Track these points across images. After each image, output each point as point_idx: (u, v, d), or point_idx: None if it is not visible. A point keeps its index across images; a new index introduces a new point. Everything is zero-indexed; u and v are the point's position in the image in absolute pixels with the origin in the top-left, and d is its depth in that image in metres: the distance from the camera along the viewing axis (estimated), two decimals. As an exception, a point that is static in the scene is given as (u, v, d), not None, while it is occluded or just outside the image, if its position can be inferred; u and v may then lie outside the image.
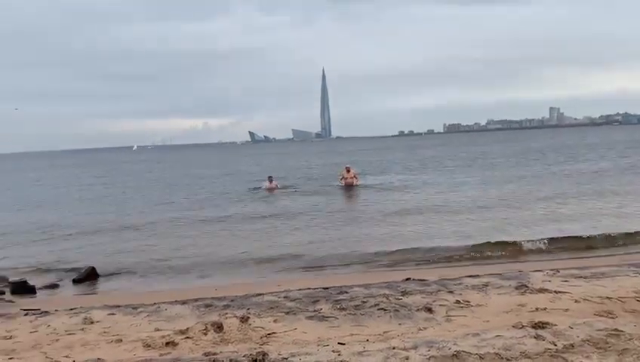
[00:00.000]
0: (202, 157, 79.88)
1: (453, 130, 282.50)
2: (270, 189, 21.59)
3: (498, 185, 20.09)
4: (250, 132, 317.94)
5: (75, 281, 8.93)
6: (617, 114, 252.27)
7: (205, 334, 4.92)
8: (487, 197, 17.04)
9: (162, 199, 20.73)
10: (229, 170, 37.92)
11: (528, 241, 10.26)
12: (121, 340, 4.86)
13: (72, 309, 5.99)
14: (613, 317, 4.94)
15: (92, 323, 5.42)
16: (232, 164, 51.24)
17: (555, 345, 4.21)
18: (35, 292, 8.30)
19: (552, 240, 10.28)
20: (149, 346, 4.66)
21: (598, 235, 10.56)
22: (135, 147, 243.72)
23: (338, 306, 5.68)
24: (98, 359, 4.38)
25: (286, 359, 4.14)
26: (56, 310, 6.03)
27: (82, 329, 5.23)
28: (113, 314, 5.76)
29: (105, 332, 5.11)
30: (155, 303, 6.11)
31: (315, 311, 5.58)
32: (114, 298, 7.27)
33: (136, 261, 10.24)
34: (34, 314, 5.85)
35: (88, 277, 9.09)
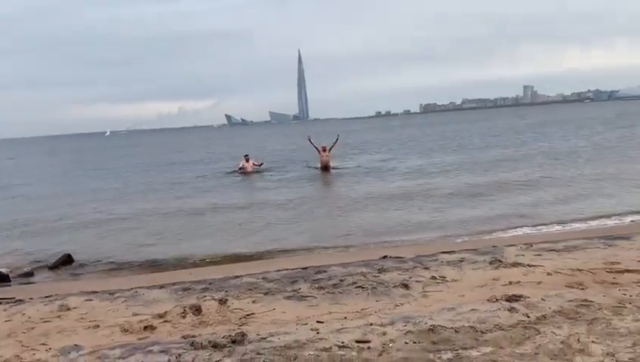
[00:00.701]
0: (176, 141, 78.66)
1: (429, 109, 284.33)
2: (246, 171, 21.08)
3: (474, 169, 19.94)
4: (226, 115, 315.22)
5: (51, 268, 8.81)
6: (589, 91, 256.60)
7: (184, 317, 4.91)
8: (470, 182, 16.46)
9: (134, 185, 20.37)
10: (201, 155, 37.25)
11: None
12: (99, 326, 4.82)
13: (47, 297, 5.92)
14: (583, 289, 5.08)
15: (68, 309, 5.37)
16: (205, 147, 50.55)
17: (528, 317, 4.32)
18: (10, 281, 8.16)
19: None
20: (127, 331, 4.64)
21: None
22: (108, 132, 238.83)
23: (316, 285, 5.73)
24: (75, 345, 4.35)
25: (265, 339, 4.17)
26: (31, 298, 5.95)
27: (58, 317, 5.17)
28: (90, 300, 5.71)
29: (82, 319, 5.07)
30: (132, 288, 6.08)
31: (293, 291, 5.61)
32: (90, 284, 7.20)
33: (113, 246, 10.14)
34: (8, 303, 5.76)
35: (64, 263, 8.97)
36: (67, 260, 9.05)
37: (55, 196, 18.56)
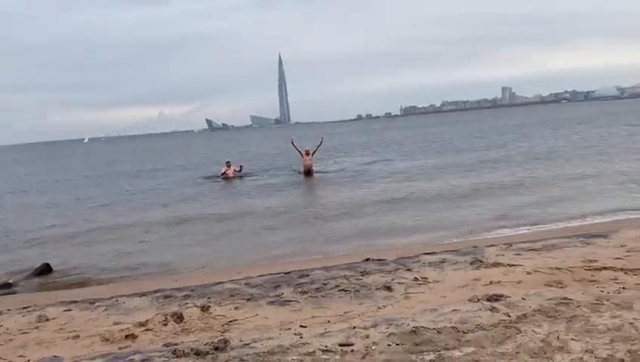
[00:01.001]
0: (156, 147, 77.88)
1: (409, 112, 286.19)
2: (228, 176, 21.01)
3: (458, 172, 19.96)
4: (207, 120, 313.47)
5: (29, 279, 8.65)
6: (565, 92, 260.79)
7: (165, 325, 4.87)
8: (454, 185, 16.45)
9: (114, 194, 20.02)
10: (182, 161, 36.78)
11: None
12: (79, 336, 4.76)
13: (25, 308, 5.82)
14: (562, 287, 5.16)
15: (47, 320, 5.28)
16: (186, 153, 50.07)
17: (509, 316, 4.36)
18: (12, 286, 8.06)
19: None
20: (108, 340, 4.58)
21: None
22: (86, 139, 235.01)
23: (299, 290, 5.72)
24: (54, 356, 4.28)
25: (248, 345, 4.15)
26: (8, 309, 5.83)
27: (37, 328, 5.09)
28: (69, 309, 5.62)
29: (61, 329, 4.99)
30: (112, 296, 6.01)
31: (276, 296, 5.60)
32: (70, 294, 7.09)
33: (93, 255, 10.00)
34: (-15, 315, 5.64)
35: (43, 273, 8.82)
36: (46, 269, 8.90)
37: (31, 205, 18.25)
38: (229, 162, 21.90)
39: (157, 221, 13.27)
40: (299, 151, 20.57)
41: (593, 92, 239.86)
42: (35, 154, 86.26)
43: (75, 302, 5.94)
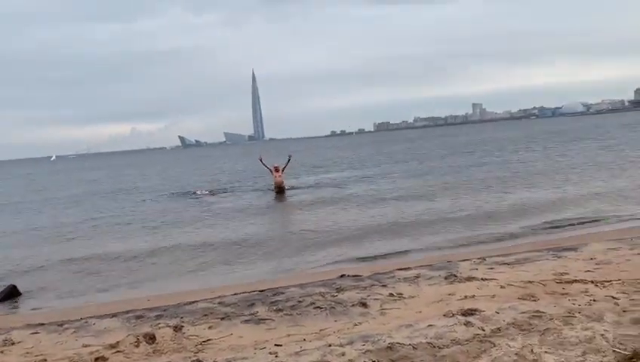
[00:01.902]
0: (127, 164, 76.63)
1: (382, 128, 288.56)
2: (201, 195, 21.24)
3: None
4: (180, 136, 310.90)
5: (-6, 302, 8.36)
6: (534, 108, 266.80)
7: (137, 346, 4.75)
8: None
9: (80, 214, 19.41)
10: (153, 180, 35.95)
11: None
12: (46, 360, 4.61)
13: (-11, 331, 5.61)
14: (535, 300, 5.22)
15: (13, 344, 5.11)
16: (161, 171, 49.39)
17: (484, 330, 4.39)
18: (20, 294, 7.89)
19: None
20: (77, 364, 4.45)
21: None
22: (54, 157, 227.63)
23: (274, 308, 5.67)
24: (20, 382, 4.13)
25: (222, 365, 4.08)
26: (-29, 333, 5.62)
27: (1, 352, 4.92)
28: (36, 332, 5.45)
29: (27, 353, 4.83)
30: (82, 318, 5.85)
31: (251, 314, 5.54)
32: (37, 316, 6.87)
33: (61, 276, 9.74)
34: (-54, 340, 5.42)
35: (9, 296, 8.52)
36: (13, 292, 8.62)
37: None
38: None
39: (129, 243, 12.97)
40: (268, 169, 20.37)
41: (560, 108, 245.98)
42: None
43: (43, 324, 5.77)
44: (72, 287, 8.92)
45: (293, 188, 21.27)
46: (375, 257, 9.51)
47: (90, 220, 17.26)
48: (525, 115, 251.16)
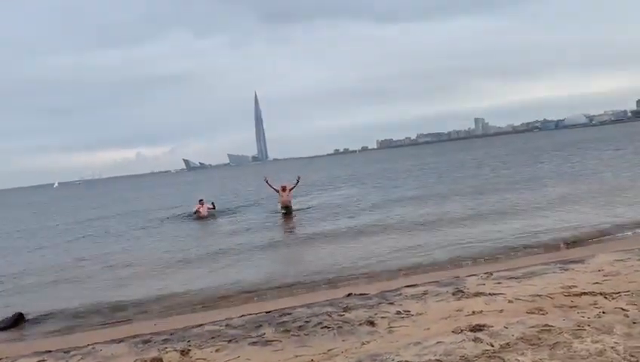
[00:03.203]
0: (133, 189, 76.83)
1: (385, 145, 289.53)
2: (201, 215, 20.79)
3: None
4: (184, 159, 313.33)
5: (1, 329, 8.35)
6: (537, 121, 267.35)
7: (144, 371, 4.72)
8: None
9: (86, 239, 19.47)
10: (158, 201, 35.87)
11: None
12: (53, 387, 4.58)
13: (-3, 360, 5.61)
14: (544, 314, 5.17)
15: (20, 372, 5.09)
16: (164, 195, 49.42)
17: (493, 346, 4.35)
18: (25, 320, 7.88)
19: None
20: (84, 390, 4.42)
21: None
22: (56, 184, 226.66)
23: (281, 329, 5.63)
24: (27, 410, 4.11)
25: (230, 388, 4.05)
26: (-21, 363, 5.62)
27: (9, 380, 4.89)
28: (44, 360, 5.45)
29: (34, 381, 4.81)
30: (89, 344, 5.83)
31: (258, 336, 5.50)
32: (44, 343, 6.84)
33: (67, 303, 9.68)
34: (-46, 370, 5.42)
35: (15, 323, 8.53)
36: (19, 319, 8.62)
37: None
38: (201, 200, 21.68)
39: (132, 264, 12.98)
40: (274, 189, 19.87)
41: (563, 120, 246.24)
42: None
43: (50, 351, 5.75)
44: (79, 313, 8.90)
45: (301, 209, 20.65)
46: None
47: (91, 243, 17.33)
48: (528, 128, 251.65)
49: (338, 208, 20.86)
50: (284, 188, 19.81)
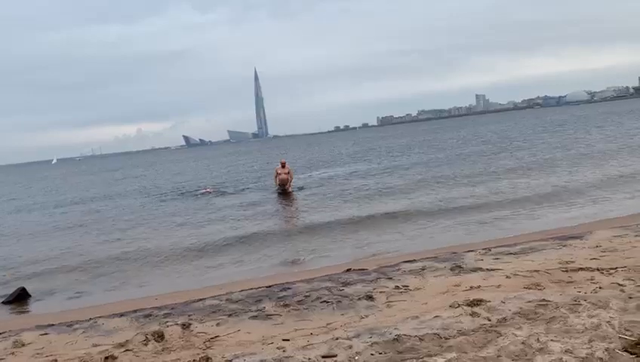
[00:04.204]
0: (133, 165, 76.70)
1: (386, 122, 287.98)
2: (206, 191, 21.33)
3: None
4: (184, 136, 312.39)
5: (4, 303, 8.44)
6: (538, 97, 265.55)
7: (146, 345, 4.79)
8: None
9: (83, 214, 19.56)
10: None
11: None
12: (56, 360, 4.65)
13: (0, 334, 5.68)
14: (541, 289, 5.23)
15: (23, 345, 5.17)
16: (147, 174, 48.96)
17: (490, 320, 4.40)
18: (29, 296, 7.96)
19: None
20: (87, 363, 4.50)
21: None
22: (54, 160, 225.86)
23: (281, 303, 5.70)
24: (32, 382, 4.18)
25: (230, 361, 4.11)
26: (-17, 336, 5.69)
27: (12, 353, 4.97)
28: (46, 334, 5.51)
29: (38, 354, 4.88)
30: (91, 318, 5.91)
31: (258, 310, 5.57)
32: (47, 317, 6.91)
33: (69, 277, 9.80)
34: (-42, 343, 5.49)
35: (18, 298, 8.60)
36: (22, 293, 8.70)
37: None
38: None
39: (135, 242, 13.01)
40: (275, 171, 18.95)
41: (564, 97, 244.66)
42: None
43: (52, 325, 5.83)
44: (81, 288, 8.99)
45: (299, 187, 19.97)
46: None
47: (99, 222, 17.35)
48: (529, 105, 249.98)
49: (339, 187, 20.22)
50: (283, 164, 18.85)
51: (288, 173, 18.94)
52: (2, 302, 8.46)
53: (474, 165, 23.06)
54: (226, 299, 6.10)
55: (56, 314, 7.41)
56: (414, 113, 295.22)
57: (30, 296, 8.71)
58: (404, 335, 4.22)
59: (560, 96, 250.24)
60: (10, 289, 8.89)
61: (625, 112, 61.57)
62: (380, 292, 5.69)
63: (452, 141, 45.80)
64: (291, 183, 19.16)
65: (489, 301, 4.88)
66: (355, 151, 46.91)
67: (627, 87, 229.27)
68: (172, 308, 5.97)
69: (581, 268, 5.78)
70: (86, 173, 67.10)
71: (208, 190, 21.77)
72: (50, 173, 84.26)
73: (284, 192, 18.60)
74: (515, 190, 14.83)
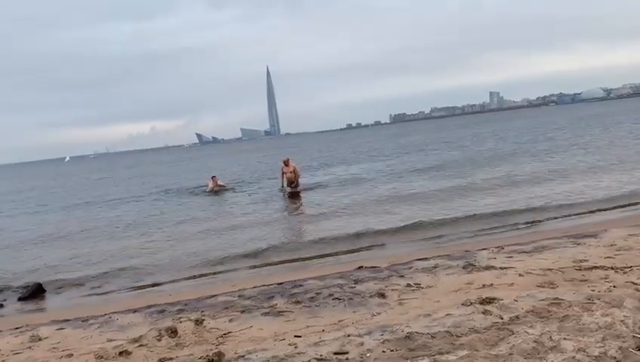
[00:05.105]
0: (146, 164, 77.13)
1: (398, 119, 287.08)
2: (214, 189, 20.81)
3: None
4: (197, 133, 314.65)
5: (21, 299, 8.58)
6: (552, 95, 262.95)
7: (159, 340, 4.85)
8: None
9: (99, 211, 19.73)
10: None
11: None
12: (72, 354, 4.72)
13: (17, 328, 5.78)
14: (554, 287, 5.20)
15: (40, 340, 5.25)
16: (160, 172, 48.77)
17: (502, 319, 4.39)
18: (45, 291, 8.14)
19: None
20: (102, 357, 4.56)
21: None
22: (67, 158, 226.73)
23: (293, 300, 5.73)
24: (48, 376, 4.25)
25: (242, 357, 4.15)
26: (0, 330, 5.80)
27: (29, 348, 5.05)
28: (62, 328, 5.60)
29: (54, 348, 4.95)
30: (105, 314, 5.98)
31: (270, 307, 5.60)
32: (62, 312, 7.02)
33: (84, 273, 9.90)
34: (-23, 337, 5.59)
35: (35, 293, 8.73)
36: (38, 289, 8.83)
37: (17, 226, 18.04)
38: (214, 176, 21.83)
39: (146, 238, 13.12)
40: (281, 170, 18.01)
41: (580, 94, 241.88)
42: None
43: (68, 320, 5.91)
44: (96, 284, 9.10)
45: (309, 187, 18.94)
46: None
47: (109, 218, 17.50)
48: (544, 102, 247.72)
49: (351, 184, 19.85)
50: (286, 163, 17.79)
51: (293, 171, 17.94)
52: (19, 298, 8.60)
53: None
54: (239, 296, 6.14)
55: (72, 309, 7.52)
56: (427, 110, 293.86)
57: (45, 291, 8.85)
58: (416, 332, 4.22)
59: (575, 94, 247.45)
60: (27, 283, 9.03)
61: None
62: (392, 289, 5.69)
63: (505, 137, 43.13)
64: (299, 182, 18.19)
65: (501, 299, 4.86)
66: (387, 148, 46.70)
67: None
68: (185, 304, 6.02)
69: (595, 267, 5.73)
70: (109, 169, 67.61)
71: (220, 183, 21.39)
72: (63, 169, 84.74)
73: (292, 193, 17.66)
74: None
